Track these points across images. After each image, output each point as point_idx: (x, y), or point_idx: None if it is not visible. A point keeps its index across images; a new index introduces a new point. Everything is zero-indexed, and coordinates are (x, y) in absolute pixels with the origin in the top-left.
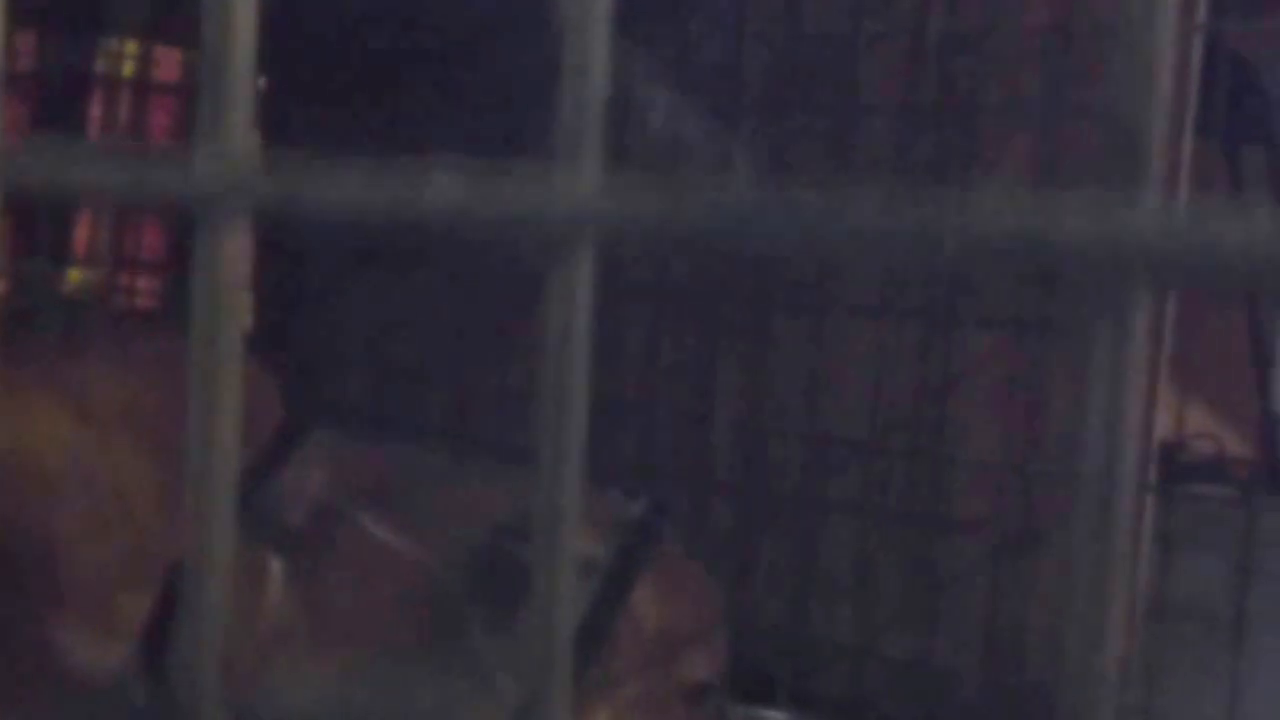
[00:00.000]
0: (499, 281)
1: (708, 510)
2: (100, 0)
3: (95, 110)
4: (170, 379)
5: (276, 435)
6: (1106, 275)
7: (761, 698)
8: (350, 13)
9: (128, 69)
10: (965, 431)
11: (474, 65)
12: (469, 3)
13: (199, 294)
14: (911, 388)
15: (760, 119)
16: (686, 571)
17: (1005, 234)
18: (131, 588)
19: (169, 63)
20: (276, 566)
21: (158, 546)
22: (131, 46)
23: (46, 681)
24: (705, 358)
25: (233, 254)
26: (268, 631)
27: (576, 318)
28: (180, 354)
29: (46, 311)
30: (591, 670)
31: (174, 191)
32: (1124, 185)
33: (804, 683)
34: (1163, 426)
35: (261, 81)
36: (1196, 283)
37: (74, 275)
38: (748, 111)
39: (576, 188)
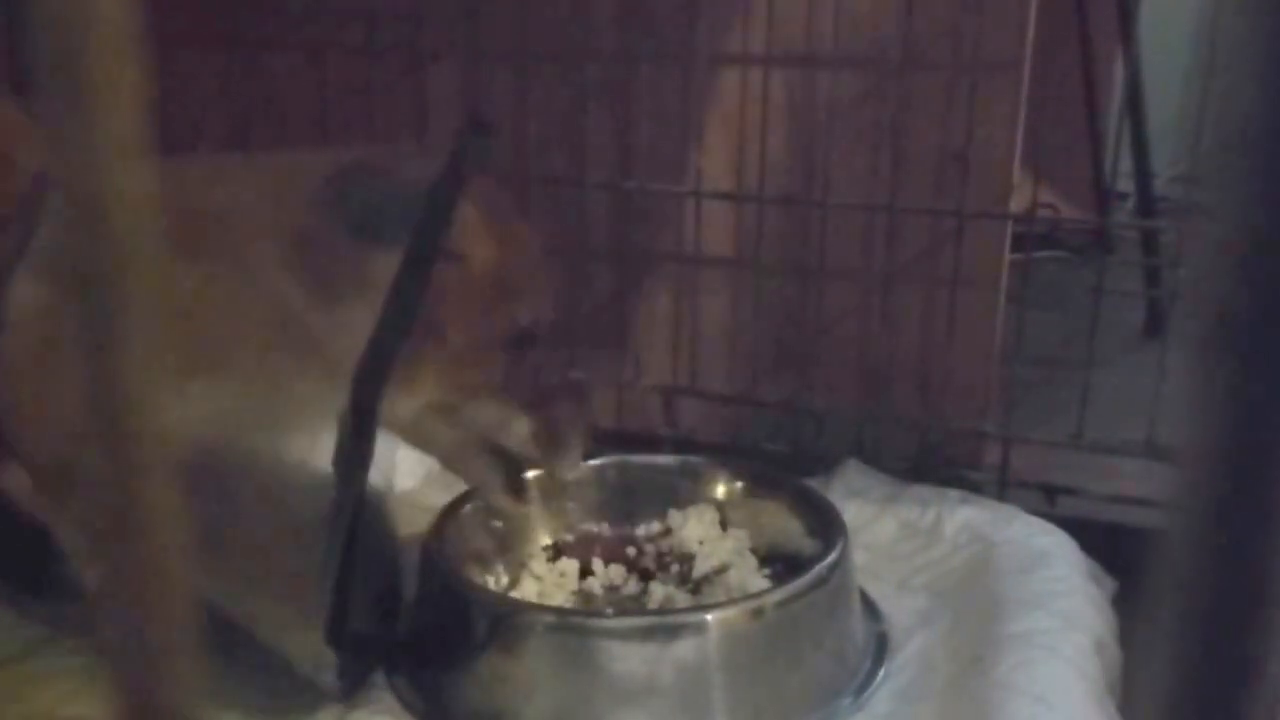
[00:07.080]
0: None
1: (585, 273)
2: None
3: None
4: None
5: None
6: None
7: (646, 447)
8: None
9: None
10: (834, 177)
11: None
12: None
13: None
14: (781, 135)
15: None
16: (508, 215)
17: None
18: None
19: None
20: None
21: None
22: None
23: None
24: (573, 120)
25: None
26: None
27: None
28: None
29: None
30: (418, 292)
31: None
32: None
33: (688, 432)
34: (1018, 204)
35: None
36: None
37: None
38: None
39: None
